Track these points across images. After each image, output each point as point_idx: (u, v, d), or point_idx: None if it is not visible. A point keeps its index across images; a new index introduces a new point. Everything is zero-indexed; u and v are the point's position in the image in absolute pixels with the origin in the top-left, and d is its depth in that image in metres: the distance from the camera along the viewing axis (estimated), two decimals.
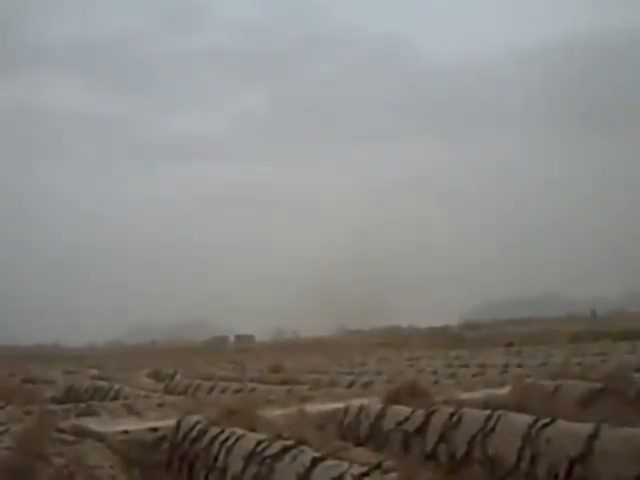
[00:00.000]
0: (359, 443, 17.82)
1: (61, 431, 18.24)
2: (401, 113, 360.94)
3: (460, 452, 14.95)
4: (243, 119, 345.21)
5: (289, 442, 12.57)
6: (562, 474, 12.07)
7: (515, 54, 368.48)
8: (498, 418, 14.52)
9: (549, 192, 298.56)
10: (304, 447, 12.24)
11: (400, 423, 17.60)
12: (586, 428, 12.51)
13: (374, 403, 20.01)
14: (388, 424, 18.17)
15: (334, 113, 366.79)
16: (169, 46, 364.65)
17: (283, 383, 33.97)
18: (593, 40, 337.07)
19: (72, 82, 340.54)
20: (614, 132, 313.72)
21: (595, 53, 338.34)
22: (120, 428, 19.88)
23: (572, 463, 11.99)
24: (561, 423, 13.19)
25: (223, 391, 33.45)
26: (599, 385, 20.16)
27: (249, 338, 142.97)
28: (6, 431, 17.91)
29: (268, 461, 12.24)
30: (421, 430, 16.63)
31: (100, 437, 18.52)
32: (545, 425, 13.25)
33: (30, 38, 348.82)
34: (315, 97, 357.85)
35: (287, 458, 11.91)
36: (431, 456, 15.82)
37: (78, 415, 23.15)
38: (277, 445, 12.59)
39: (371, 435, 18.66)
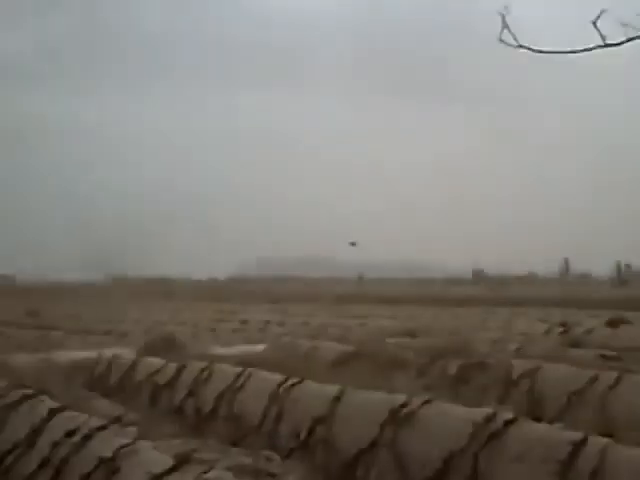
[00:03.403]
0: (107, 394, 17.44)
1: None
2: None
3: (207, 408, 14.83)
4: None
5: (28, 391, 12.03)
6: (304, 433, 12.14)
7: None
8: (249, 375, 14.49)
9: None
10: (44, 397, 11.74)
11: (151, 375, 17.33)
12: (332, 390, 12.64)
13: (127, 353, 19.65)
14: (139, 376, 17.84)
15: None
16: None
17: (37, 328, 33.06)
18: None
19: None
20: None
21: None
22: None
23: (315, 423, 12.07)
24: (309, 383, 13.30)
25: None
26: (353, 348, 20.51)
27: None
28: None
29: (2, 412, 11.67)
30: (171, 383, 16.43)
31: None
32: (294, 385, 13.31)
33: None
34: None
35: (24, 408, 11.39)
36: (179, 410, 15.64)
37: None
38: (14, 394, 12.02)
39: (121, 386, 18.28)
